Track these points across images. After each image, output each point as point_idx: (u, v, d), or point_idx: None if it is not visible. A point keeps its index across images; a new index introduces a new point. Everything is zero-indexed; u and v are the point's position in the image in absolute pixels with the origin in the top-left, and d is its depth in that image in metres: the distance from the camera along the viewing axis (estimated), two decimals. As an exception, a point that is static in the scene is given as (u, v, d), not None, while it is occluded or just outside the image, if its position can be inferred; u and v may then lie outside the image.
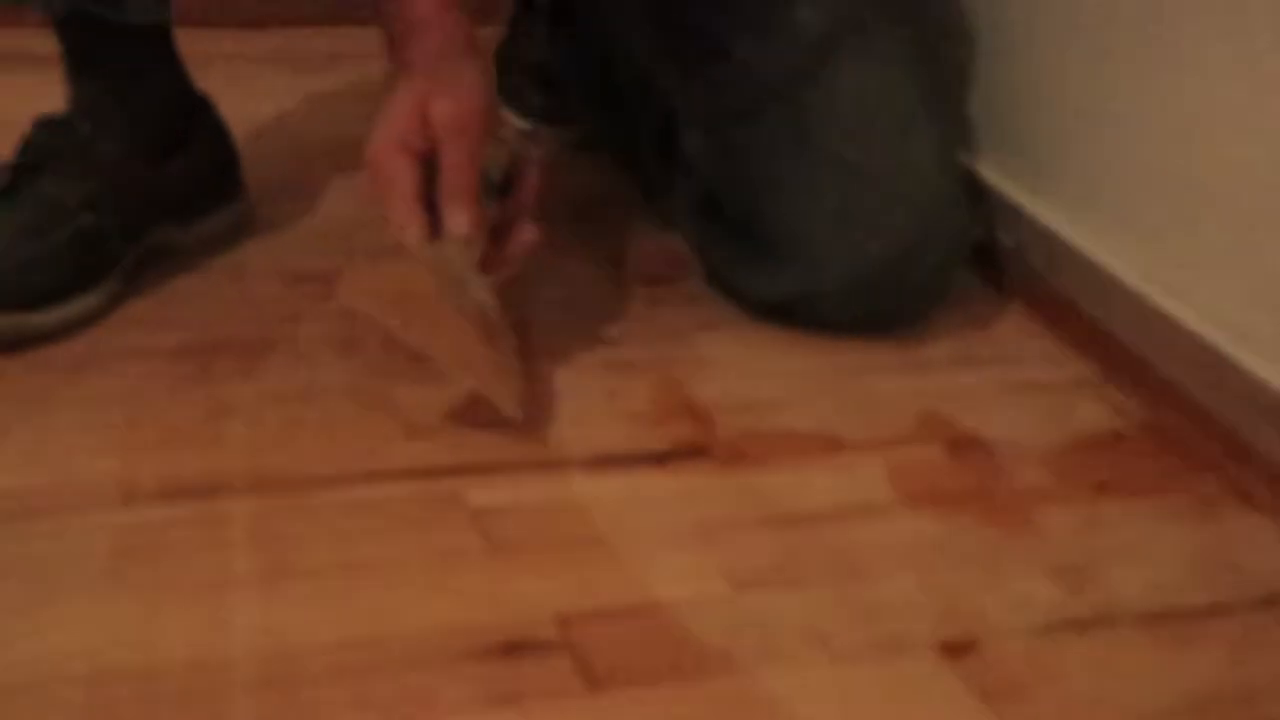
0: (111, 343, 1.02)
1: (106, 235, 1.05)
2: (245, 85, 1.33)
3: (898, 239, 1.08)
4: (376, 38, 1.30)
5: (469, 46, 0.98)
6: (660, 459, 0.95)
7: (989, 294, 1.22)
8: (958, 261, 1.17)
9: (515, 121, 1.44)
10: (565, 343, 1.09)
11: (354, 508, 0.87)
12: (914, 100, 1.11)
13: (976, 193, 1.25)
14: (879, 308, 1.13)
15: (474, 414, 0.98)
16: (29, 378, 0.97)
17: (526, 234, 0.98)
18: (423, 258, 0.94)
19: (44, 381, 0.96)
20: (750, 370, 1.08)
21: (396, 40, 1.01)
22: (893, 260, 1.09)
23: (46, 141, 1.06)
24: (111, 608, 0.77)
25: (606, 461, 0.94)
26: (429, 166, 0.94)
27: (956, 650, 0.80)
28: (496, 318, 0.96)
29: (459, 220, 0.93)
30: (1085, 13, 1.15)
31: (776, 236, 1.13)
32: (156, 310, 1.08)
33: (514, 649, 0.76)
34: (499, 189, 0.96)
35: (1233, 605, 0.86)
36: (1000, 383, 1.09)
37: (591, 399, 1.02)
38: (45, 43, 1.10)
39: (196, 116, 1.17)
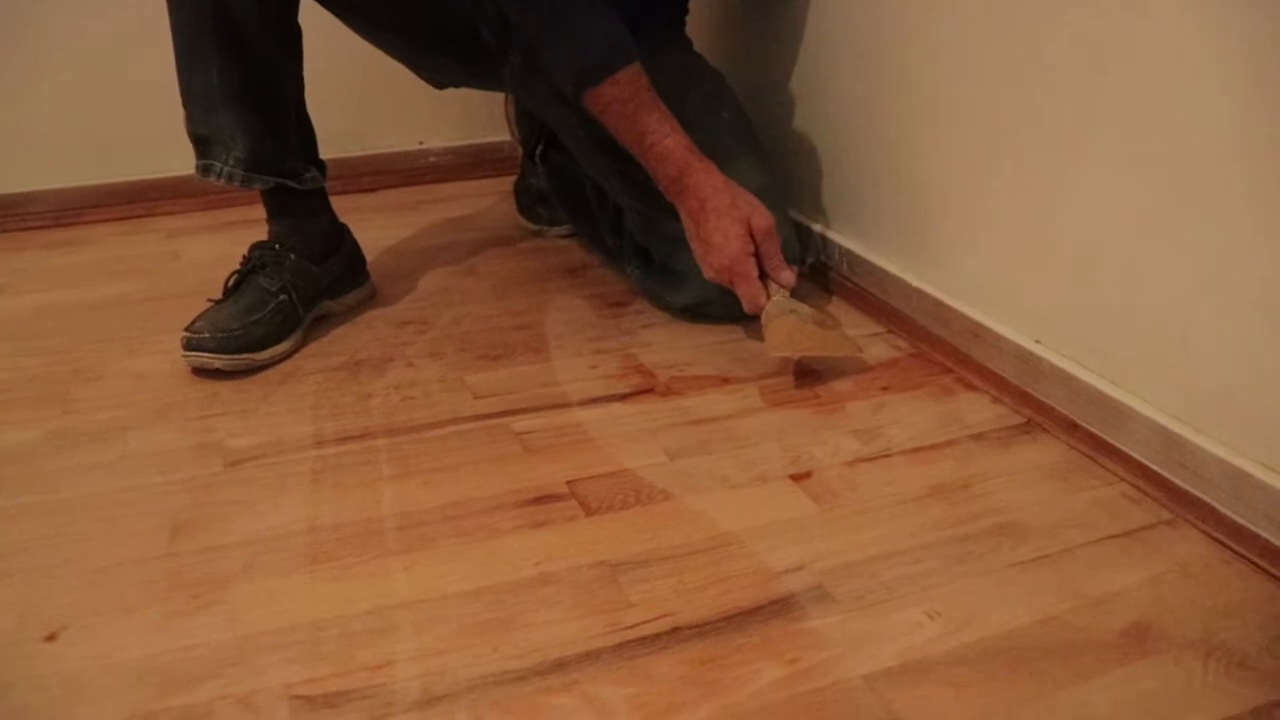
0: (301, 365, 1.07)
1: (294, 306, 1.09)
2: (365, 221, 1.33)
3: None
4: (437, 192, 1.36)
5: (719, 178, 1.02)
6: (624, 397, 1.00)
7: (818, 293, 1.24)
8: (794, 274, 1.11)
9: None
10: (566, 340, 1.12)
11: (447, 438, 0.93)
12: (754, 179, 1.10)
13: (806, 232, 1.26)
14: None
15: (512, 384, 1.02)
16: (257, 388, 1.02)
17: (787, 276, 1.05)
18: (776, 311, 1.02)
19: (265, 389, 1.02)
20: (674, 346, 1.11)
21: (668, 184, 1.04)
22: None
23: (259, 256, 1.10)
24: (315, 497, 0.85)
25: (592, 401, 0.99)
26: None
27: (800, 477, 0.87)
28: (821, 316, 1.05)
29: (785, 276, 1.03)
30: (846, 102, 1.17)
31: (682, 270, 1.13)
32: (324, 346, 1.11)
33: (542, 499, 0.84)
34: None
35: (959, 440, 0.92)
36: None
37: (582, 368, 1.06)
38: (257, 212, 1.16)
39: (340, 236, 1.20)
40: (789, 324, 1.01)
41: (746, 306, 1.04)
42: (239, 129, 1.05)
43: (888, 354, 1.10)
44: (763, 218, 1.02)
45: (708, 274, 1.06)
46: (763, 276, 1.05)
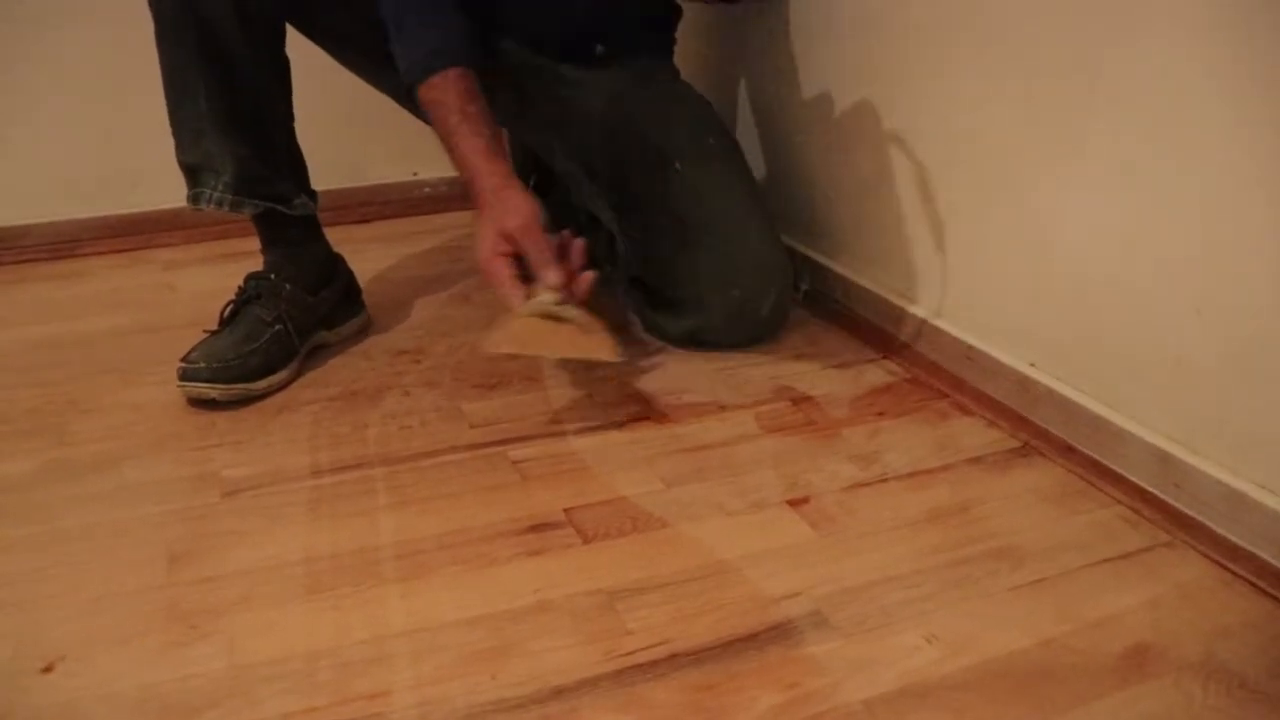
0: (297, 395, 1.07)
1: (290, 337, 1.09)
2: (360, 251, 1.33)
3: (750, 288, 1.11)
4: (432, 222, 1.36)
5: (510, 178, 1.00)
6: (620, 425, 1.00)
7: (813, 320, 1.24)
8: (788, 301, 1.17)
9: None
10: (562, 368, 1.12)
11: (443, 466, 0.93)
12: (746, 207, 1.12)
13: (799, 259, 1.27)
14: (743, 332, 1.15)
15: (508, 412, 1.03)
16: (253, 418, 1.02)
17: (586, 279, 0.99)
18: (524, 311, 0.96)
19: (261, 419, 1.02)
20: (670, 373, 1.11)
21: (468, 185, 1.02)
22: (748, 302, 1.12)
23: (254, 286, 1.10)
24: (312, 527, 0.84)
25: (588, 429, 1.00)
26: (520, 260, 0.97)
27: (797, 503, 0.87)
28: (586, 320, 0.98)
29: (549, 276, 0.96)
30: (837, 149, 1.18)
31: (678, 297, 1.15)
32: (320, 376, 1.11)
33: (539, 527, 0.84)
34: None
35: (955, 464, 0.93)
36: (820, 366, 1.12)
37: (578, 396, 1.06)
38: (252, 244, 1.16)
39: (335, 266, 1.20)
40: (520, 323, 0.98)
41: (506, 303, 1.00)
42: (227, 154, 1.05)
43: (883, 379, 1.10)
44: (515, 217, 0.97)
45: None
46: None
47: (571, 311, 0.98)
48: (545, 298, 0.97)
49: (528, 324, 0.97)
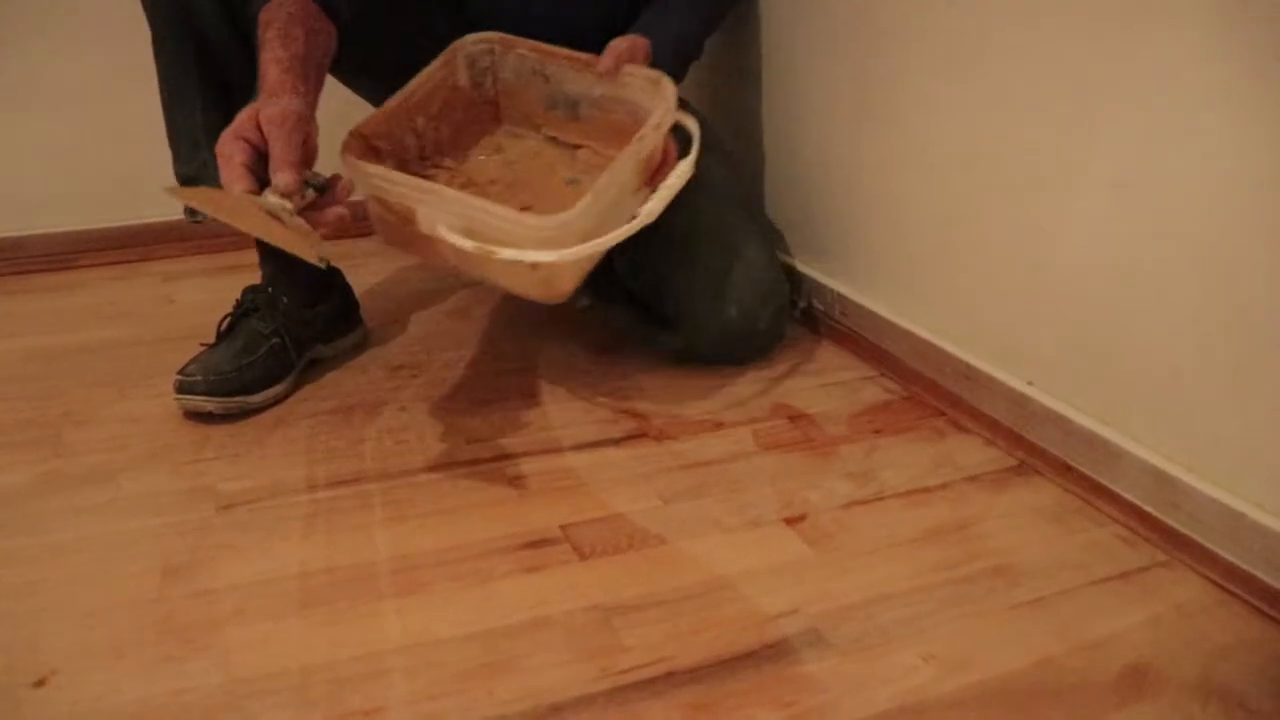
0: (294, 409, 1.07)
1: (287, 350, 1.09)
2: (358, 265, 1.35)
3: (746, 306, 1.11)
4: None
5: (294, 92, 0.87)
6: (617, 441, 1.00)
7: (809, 337, 1.25)
8: (785, 318, 1.18)
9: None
10: (559, 384, 1.12)
11: (440, 482, 0.93)
12: (743, 224, 1.13)
13: (796, 277, 1.27)
14: (740, 349, 1.15)
15: (505, 428, 1.02)
16: (249, 432, 1.02)
17: (334, 212, 0.84)
18: (246, 202, 0.81)
19: (258, 433, 1.02)
20: (667, 390, 1.11)
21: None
22: (745, 319, 1.11)
23: (252, 299, 1.11)
24: (308, 541, 0.84)
25: (585, 445, 0.99)
26: (262, 158, 0.83)
27: (794, 521, 0.87)
28: (298, 226, 0.82)
29: (280, 178, 0.82)
30: (842, 165, 1.19)
31: (674, 313, 1.14)
32: (317, 390, 1.11)
33: (536, 543, 0.84)
34: (319, 189, 0.84)
35: (952, 482, 0.93)
36: (818, 383, 1.13)
37: (575, 413, 1.06)
38: (249, 257, 1.17)
39: (333, 280, 1.20)
40: (229, 197, 0.82)
41: (229, 189, 0.85)
42: None
43: (880, 397, 1.10)
44: (273, 106, 0.85)
45: None
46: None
47: (293, 220, 0.83)
48: (271, 199, 0.82)
49: (239, 199, 0.82)
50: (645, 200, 0.92)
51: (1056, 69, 0.87)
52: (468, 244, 0.86)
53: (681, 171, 0.93)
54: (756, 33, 1.29)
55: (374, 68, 1.13)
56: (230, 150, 0.84)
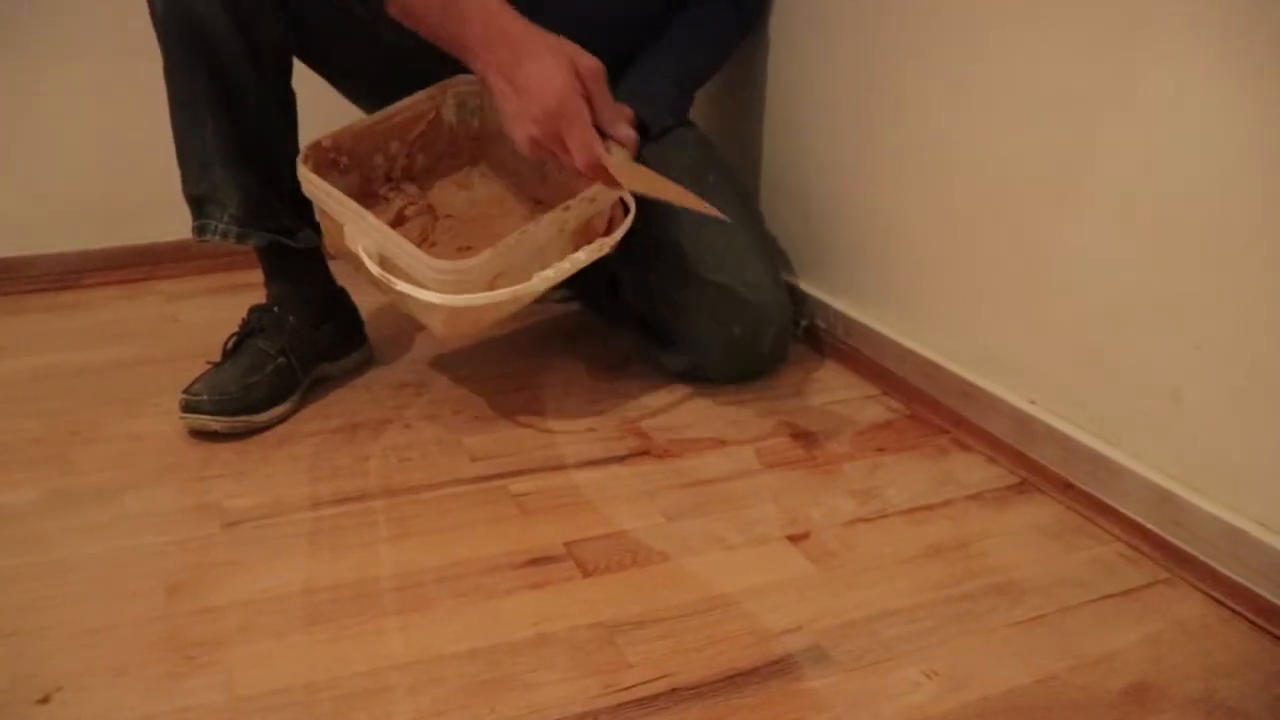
0: (299, 427, 1.07)
1: (292, 369, 1.09)
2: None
3: (750, 325, 1.12)
4: None
5: (555, 38, 0.87)
6: (621, 459, 1.01)
7: (812, 356, 1.26)
8: (789, 337, 1.18)
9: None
10: (563, 402, 1.13)
11: (444, 499, 0.93)
12: (746, 243, 1.13)
13: (799, 296, 1.28)
14: (743, 368, 1.16)
15: (509, 446, 1.03)
16: (255, 450, 1.02)
17: (628, 129, 0.88)
18: (609, 162, 0.84)
19: (263, 451, 1.02)
20: (671, 408, 1.12)
21: (476, 45, 0.89)
22: (748, 338, 1.12)
23: (257, 319, 1.11)
24: (312, 559, 0.85)
25: (589, 463, 1.00)
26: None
27: (797, 538, 0.87)
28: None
29: (626, 133, 0.86)
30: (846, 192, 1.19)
31: (678, 333, 1.15)
32: (322, 409, 1.11)
33: (540, 560, 0.84)
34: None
35: (955, 500, 0.93)
36: (821, 401, 1.13)
37: (579, 431, 1.06)
38: (255, 276, 1.17)
39: (338, 299, 1.20)
40: (644, 171, 0.87)
41: (579, 159, 0.85)
42: (234, 185, 1.06)
43: (883, 415, 1.11)
44: (590, 59, 0.85)
45: (530, 131, 0.87)
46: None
47: (641, 165, 0.87)
48: (621, 155, 0.84)
49: (639, 171, 0.83)
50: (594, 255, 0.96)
51: (1059, 85, 0.88)
52: (375, 269, 0.93)
53: (594, 247, 0.97)
54: (759, 51, 1.30)
55: (356, 73, 1.16)
56: (576, 108, 0.84)
